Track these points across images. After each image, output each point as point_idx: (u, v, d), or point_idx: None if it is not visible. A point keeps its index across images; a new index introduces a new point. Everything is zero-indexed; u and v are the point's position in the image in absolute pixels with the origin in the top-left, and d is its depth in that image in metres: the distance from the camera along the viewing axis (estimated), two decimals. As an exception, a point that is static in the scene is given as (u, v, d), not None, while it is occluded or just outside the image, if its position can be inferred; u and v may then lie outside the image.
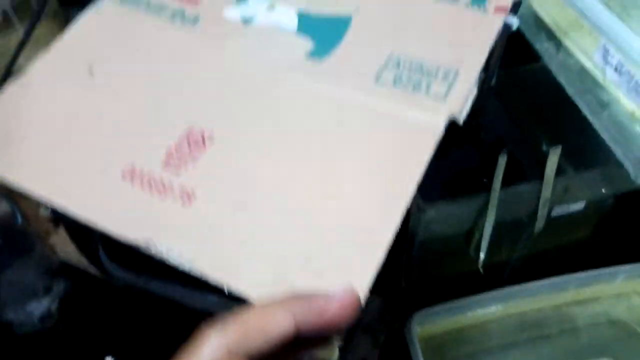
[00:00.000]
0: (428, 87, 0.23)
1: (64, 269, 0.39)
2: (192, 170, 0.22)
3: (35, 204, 0.33)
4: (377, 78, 0.24)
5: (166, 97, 0.25)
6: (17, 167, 0.23)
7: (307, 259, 0.18)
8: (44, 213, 0.39)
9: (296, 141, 0.22)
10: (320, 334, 0.17)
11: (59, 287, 0.39)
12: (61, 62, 0.27)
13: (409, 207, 0.19)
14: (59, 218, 0.38)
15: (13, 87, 0.26)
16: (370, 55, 0.25)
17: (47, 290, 0.39)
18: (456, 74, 0.23)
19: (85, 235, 0.36)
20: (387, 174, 0.21)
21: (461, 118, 0.22)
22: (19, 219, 0.40)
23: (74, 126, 0.24)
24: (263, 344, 0.15)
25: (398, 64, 0.24)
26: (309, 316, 0.16)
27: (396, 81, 0.24)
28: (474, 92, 0.23)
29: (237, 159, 0.22)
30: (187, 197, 0.21)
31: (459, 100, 0.22)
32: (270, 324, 0.15)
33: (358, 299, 0.17)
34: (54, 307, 0.38)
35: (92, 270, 0.39)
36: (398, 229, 0.19)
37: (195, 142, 0.22)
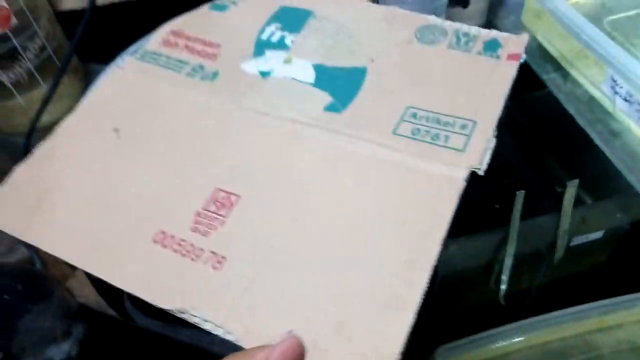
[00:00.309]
0: (446, 139, 0.23)
1: (83, 312, 0.39)
2: (221, 232, 0.22)
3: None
4: (395, 131, 0.24)
5: (191, 158, 0.25)
6: (49, 234, 0.23)
7: (337, 324, 0.19)
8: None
9: (319, 199, 0.22)
10: None
11: (78, 330, 0.39)
12: (87, 125, 0.27)
13: (435, 264, 0.20)
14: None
15: (41, 151, 0.26)
16: (387, 108, 0.25)
17: (67, 335, 0.38)
18: (474, 124, 0.24)
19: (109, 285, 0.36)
20: (412, 231, 0.21)
21: (482, 169, 0.22)
22: (38, 264, 0.41)
23: (102, 191, 0.24)
24: None
25: (415, 116, 0.25)
26: None
27: (414, 133, 0.24)
28: (493, 142, 0.23)
29: (262, 221, 0.22)
30: (218, 261, 0.21)
31: (479, 152, 0.23)
32: None
33: (300, 343, 0.17)
34: (73, 351, 0.38)
35: (111, 312, 0.39)
36: (426, 288, 0.19)
37: (222, 204, 0.23)
